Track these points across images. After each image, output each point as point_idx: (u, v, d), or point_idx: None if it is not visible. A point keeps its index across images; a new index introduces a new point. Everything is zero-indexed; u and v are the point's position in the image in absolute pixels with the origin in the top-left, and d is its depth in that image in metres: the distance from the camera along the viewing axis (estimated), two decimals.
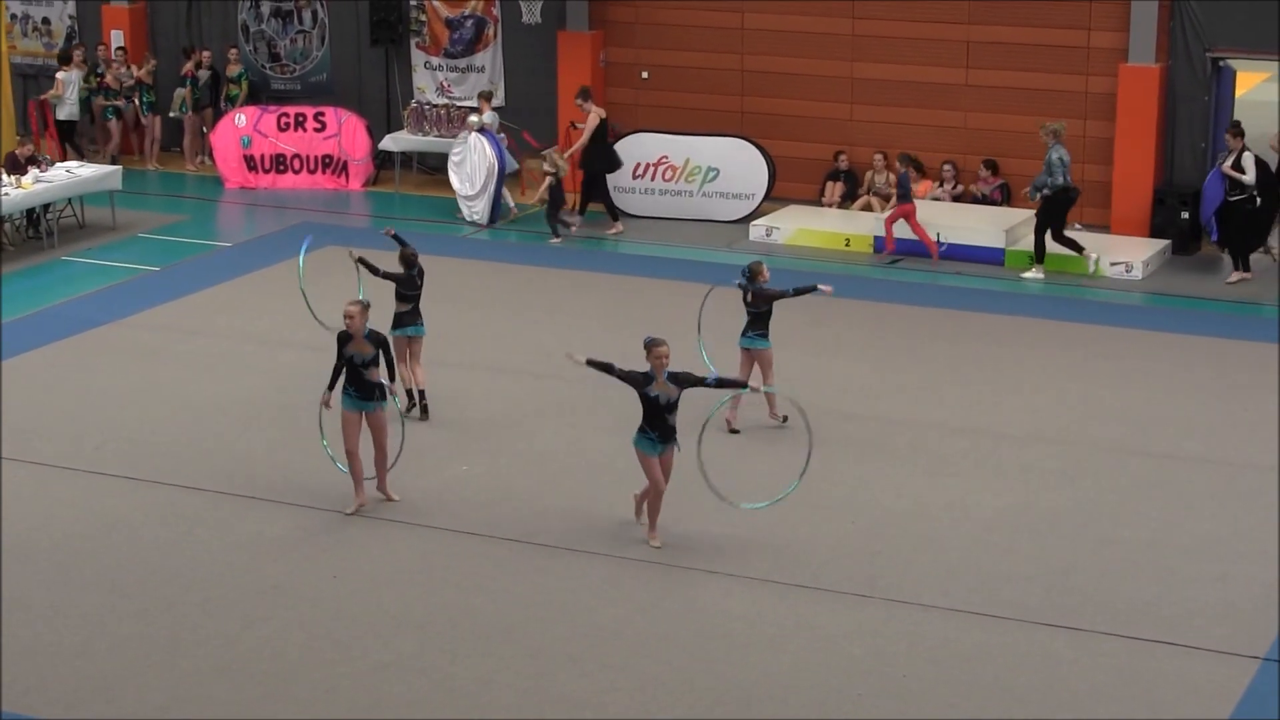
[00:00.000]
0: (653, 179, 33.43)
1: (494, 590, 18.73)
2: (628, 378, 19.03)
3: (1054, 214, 29.74)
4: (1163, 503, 20.89)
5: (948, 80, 32.39)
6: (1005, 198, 31.95)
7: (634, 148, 33.36)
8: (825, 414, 23.09)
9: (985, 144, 32.24)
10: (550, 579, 19.00)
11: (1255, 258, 29.94)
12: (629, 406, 23.68)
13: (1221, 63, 30.93)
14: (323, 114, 35.56)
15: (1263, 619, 17.96)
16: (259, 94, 36.95)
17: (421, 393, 23.65)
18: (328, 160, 35.40)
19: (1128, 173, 31.10)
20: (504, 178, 33.37)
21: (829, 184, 33.11)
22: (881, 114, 32.78)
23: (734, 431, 23.02)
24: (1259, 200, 29.21)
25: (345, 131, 35.48)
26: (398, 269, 23.36)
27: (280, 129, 35.61)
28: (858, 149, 32.90)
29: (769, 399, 23.12)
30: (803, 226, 31.68)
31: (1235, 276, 29.51)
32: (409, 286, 23.40)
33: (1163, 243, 30.37)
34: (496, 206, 33.36)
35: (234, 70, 36.75)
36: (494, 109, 34.29)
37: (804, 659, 16.98)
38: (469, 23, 35.72)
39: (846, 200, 32.90)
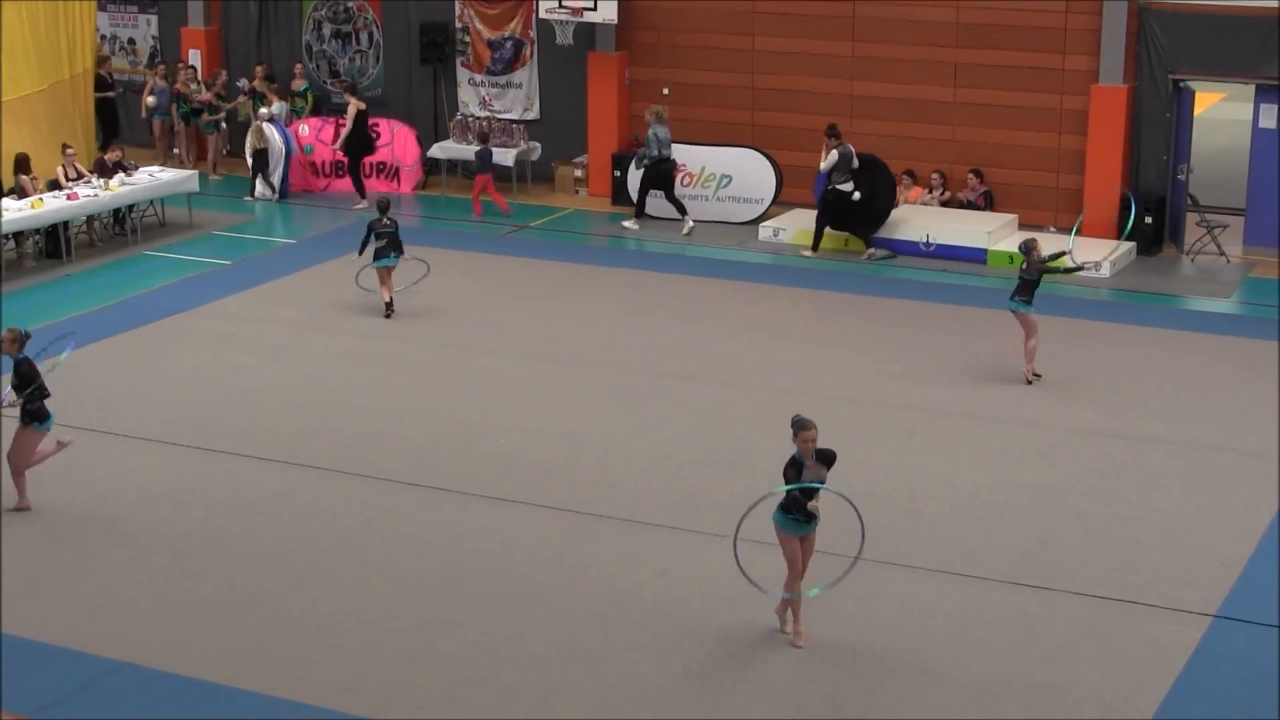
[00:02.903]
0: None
1: (523, 554, 18.66)
2: (790, 478, 16.11)
3: (655, 179, 32.48)
4: (1131, 481, 20.76)
5: (938, 98, 32.22)
6: (989, 203, 31.76)
7: None
8: (827, 399, 23.06)
9: (971, 155, 32.07)
10: (574, 544, 18.95)
11: (1206, 261, 29.96)
12: (641, 391, 23.66)
13: (1182, 84, 30.79)
14: (377, 125, 35.44)
15: (1216, 582, 17.92)
16: (321, 107, 36.84)
17: (389, 302, 26.85)
18: (381, 166, 35.34)
19: (1097, 181, 30.93)
20: (290, 159, 34.96)
21: None
22: (878, 127, 32.61)
23: (1036, 378, 23.96)
24: (857, 195, 30.28)
25: (397, 140, 35.44)
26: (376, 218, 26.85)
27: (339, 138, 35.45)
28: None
29: (1027, 355, 23.93)
30: (806, 228, 31.38)
31: (808, 253, 31.00)
32: (381, 227, 26.49)
33: (1129, 245, 30.17)
34: (285, 182, 35.14)
35: (299, 85, 36.68)
36: (281, 100, 36.26)
37: (802, 615, 16.77)
38: (508, 44, 35.63)
39: None
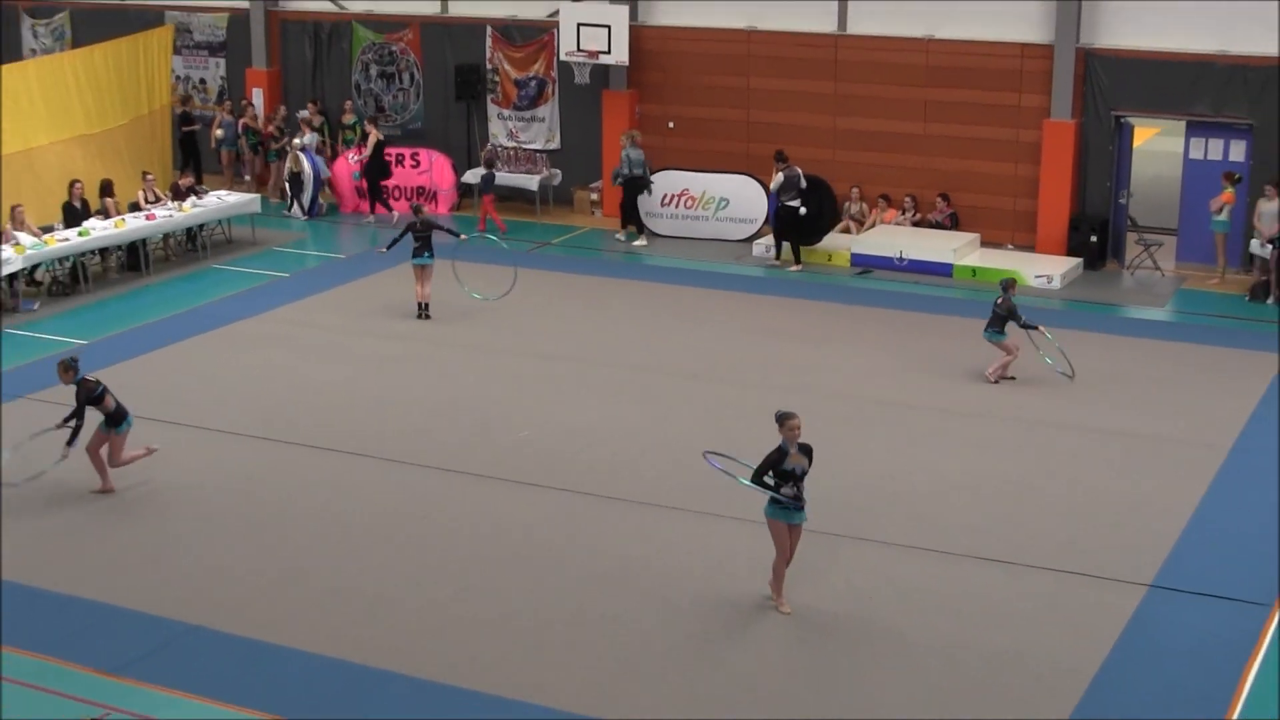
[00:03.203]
0: (677, 206, 33.26)
1: (545, 531, 18.69)
2: (767, 463, 16.12)
3: (632, 194, 32.88)
4: (1080, 466, 20.77)
5: (910, 131, 32.21)
6: (954, 224, 31.75)
7: (662, 182, 33.25)
8: (816, 395, 23.08)
9: (939, 181, 32.04)
10: (590, 523, 18.96)
11: (1144, 274, 30.00)
12: (649, 388, 23.66)
13: (1123, 120, 30.77)
14: (417, 154, 35.52)
15: (1152, 555, 17.97)
16: (368, 138, 36.85)
17: (426, 304, 27.15)
18: (421, 190, 35.29)
19: (1049, 205, 30.95)
20: (319, 183, 35.08)
21: None
22: (857, 157, 32.62)
23: (1000, 380, 23.94)
24: (803, 210, 30.60)
25: (435, 168, 35.43)
26: (411, 220, 27.24)
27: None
28: (838, 184, 32.62)
29: (1002, 364, 23.97)
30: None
31: (795, 268, 30.94)
32: (415, 229, 26.76)
33: (1076, 260, 30.25)
34: (314, 203, 35.07)
35: (348, 119, 36.64)
36: (315, 131, 36.14)
37: (792, 585, 16.82)
38: (533, 83, 35.61)
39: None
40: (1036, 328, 23.76)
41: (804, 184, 30.68)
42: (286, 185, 35.05)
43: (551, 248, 32.61)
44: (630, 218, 33.24)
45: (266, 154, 36.90)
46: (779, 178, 30.76)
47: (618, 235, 33.29)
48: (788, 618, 16.48)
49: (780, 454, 16.10)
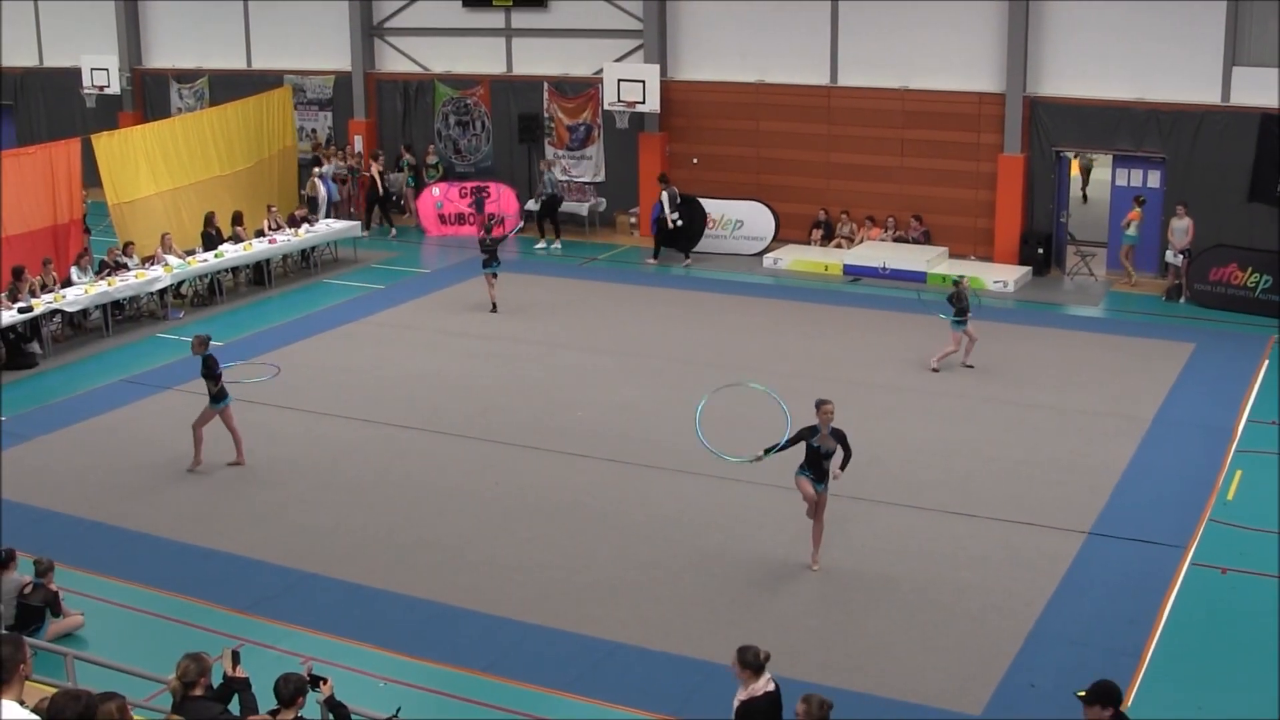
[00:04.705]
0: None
1: (595, 493, 18.70)
2: (798, 436, 15.82)
3: (547, 208, 33.85)
4: (1026, 436, 20.71)
5: (890, 164, 32.11)
6: (927, 239, 31.66)
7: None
8: (811, 378, 23.01)
9: (914, 205, 31.95)
10: (630, 486, 18.95)
11: (1081, 279, 29.80)
12: (677, 375, 23.64)
13: (1061, 154, 30.66)
14: (488, 186, 35.53)
15: (1089, 507, 17.93)
16: (448, 174, 36.88)
17: (495, 303, 27.45)
18: (491, 216, 35.22)
19: (1004, 223, 30.83)
20: (332, 203, 34.70)
21: (813, 230, 32.86)
22: (847, 185, 32.55)
23: (969, 368, 23.64)
24: (680, 222, 31.90)
25: (502, 198, 35.41)
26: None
27: (461, 196, 35.50)
28: (832, 208, 32.64)
29: (946, 352, 23.67)
30: (797, 258, 31.40)
31: (685, 263, 32.01)
32: (485, 245, 27.23)
33: (1026, 268, 30.13)
34: (328, 217, 34.13)
35: (431, 159, 36.69)
36: (334, 164, 36.42)
37: (797, 532, 16.79)
38: (582, 128, 35.60)
39: (824, 241, 32.65)
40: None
41: (679, 200, 31.91)
42: (306, 206, 34.43)
43: (598, 261, 32.62)
44: (547, 228, 34.00)
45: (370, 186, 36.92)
46: (663, 195, 31.84)
47: (538, 246, 33.61)
48: (791, 561, 16.44)
49: (811, 431, 15.83)
